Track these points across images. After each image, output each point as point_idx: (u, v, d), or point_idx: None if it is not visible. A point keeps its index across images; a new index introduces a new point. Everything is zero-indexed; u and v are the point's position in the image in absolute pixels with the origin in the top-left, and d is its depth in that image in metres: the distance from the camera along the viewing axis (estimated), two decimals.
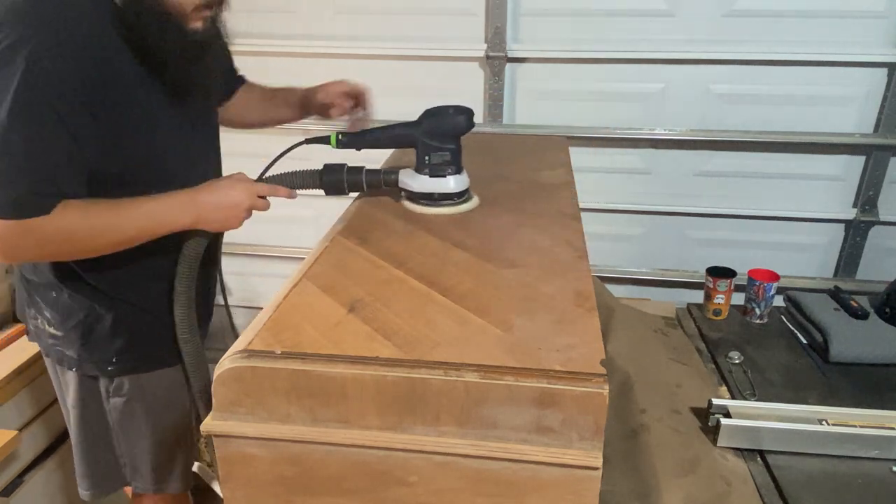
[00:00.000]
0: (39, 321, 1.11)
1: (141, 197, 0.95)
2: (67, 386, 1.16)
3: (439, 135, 1.07)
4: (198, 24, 0.96)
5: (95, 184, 0.94)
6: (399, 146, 1.13)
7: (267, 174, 1.10)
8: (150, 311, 1.11)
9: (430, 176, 1.07)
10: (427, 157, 1.07)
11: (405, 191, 1.10)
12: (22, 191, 0.86)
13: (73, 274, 1.04)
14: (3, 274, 1.61)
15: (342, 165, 1.10)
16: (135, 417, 1.15)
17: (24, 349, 1.54)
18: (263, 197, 1.05)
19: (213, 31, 1.03)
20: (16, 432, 1.38)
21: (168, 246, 1.03)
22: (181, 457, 1.22)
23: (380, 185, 1.11)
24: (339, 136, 1.10)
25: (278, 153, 1.12)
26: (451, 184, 1.08)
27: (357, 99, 1.26)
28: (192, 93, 1.03)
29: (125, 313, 1.09)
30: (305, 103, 1.28)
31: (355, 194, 1.16)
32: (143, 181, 1.00)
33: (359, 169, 1.10)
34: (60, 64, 0.85)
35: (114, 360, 1.10)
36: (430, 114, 1.09)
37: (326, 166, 1.09)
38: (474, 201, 1.12)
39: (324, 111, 1.26)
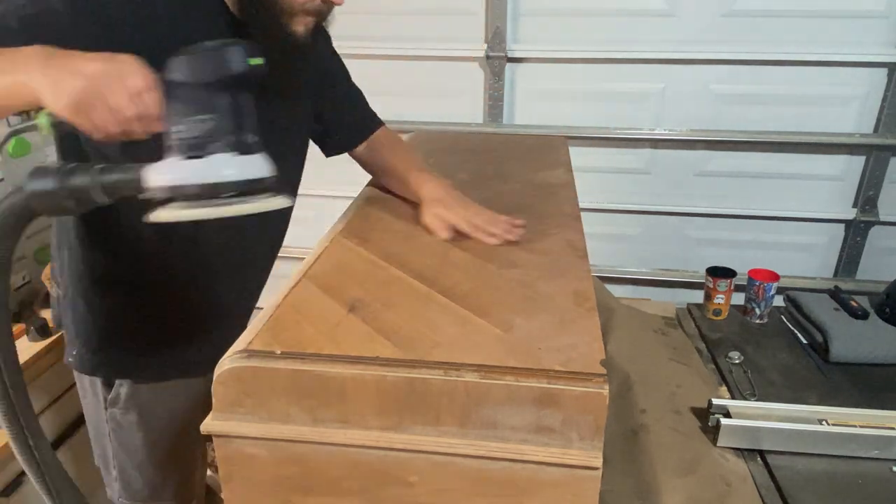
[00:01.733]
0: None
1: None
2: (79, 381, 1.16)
3: (192, 86, 0.65)
4: (299, 28, 0.94)
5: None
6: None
7: None
8: (152, 318, 1.09)
9: (186, 158, 0.65)
10: (177, 129, 0.65)
11: (158, 189, 0.66)
12: None
13: (85, 270, 1.04)
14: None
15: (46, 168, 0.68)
16: (131, 430, 1.13)
17: (23, 349, 1.54)
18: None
19: (309, 42, 0.96)
20: None
21: (185, 254, 1.02)
22: (176, 474, 1.21)
23: (127, 192, 0.68)
24: (52, 118, 0.68)
25: None
26: (224, 168, 0.65)
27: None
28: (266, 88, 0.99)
29: (126, 317, 1.08)
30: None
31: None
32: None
33: (71, 169, 0.68)
34: None
35: (73, 351, 1.09)
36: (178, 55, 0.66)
37: (36, 169, 0.69)
38: (280, 198, 0.71)
39: None
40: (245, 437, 0.69)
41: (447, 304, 0.77)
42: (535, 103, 2.04)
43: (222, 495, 0.73)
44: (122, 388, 1.10)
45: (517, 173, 1.31)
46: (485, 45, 1.97)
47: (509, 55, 1.96)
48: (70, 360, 1.11)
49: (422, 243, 0.95)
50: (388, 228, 1.01)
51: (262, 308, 0.79)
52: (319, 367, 0.66)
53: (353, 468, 0.69)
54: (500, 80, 1.99)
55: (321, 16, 0.98)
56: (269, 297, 0.81)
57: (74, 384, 1.22)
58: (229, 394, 0.68)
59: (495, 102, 2.02)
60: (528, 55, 1.98)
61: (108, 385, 1.11)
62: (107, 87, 0.64)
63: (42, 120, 0.70)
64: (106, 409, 1.12)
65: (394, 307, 0.76)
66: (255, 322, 0.74)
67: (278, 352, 0.67)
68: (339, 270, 0.86)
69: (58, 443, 1.61)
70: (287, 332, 0.71)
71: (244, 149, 0.67)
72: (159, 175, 0.65)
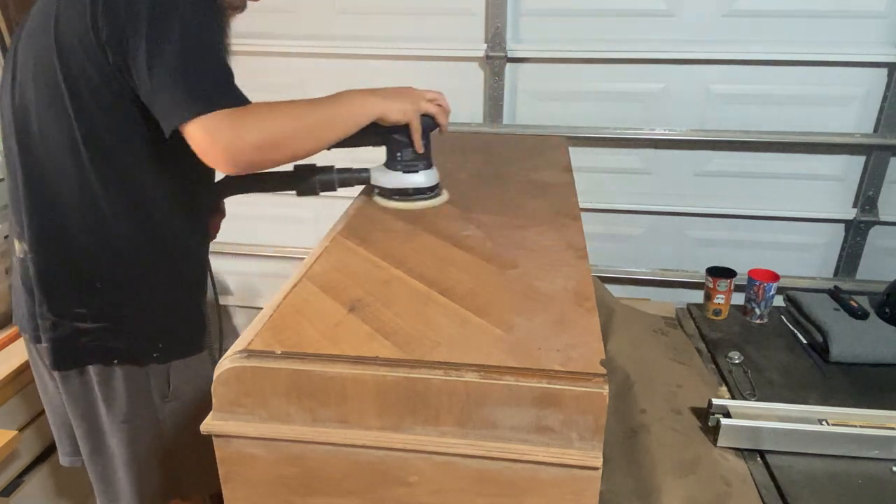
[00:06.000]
0: (65, 322, 1.04)
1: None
2: (113, 399, 1.10)
3: (409, 132, 1.08)
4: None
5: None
6: (371, 144, 1.12)
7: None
8: (185, 294, 1.13)
9: (404, 172, 1.10)
10: (399, 154, 1.09)
11: (378, 188, 1.13)
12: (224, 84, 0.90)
13: (120, 260, 1.04)
14: (3, 274, 1.61)
15: (312, 166, 1.11)
16: (186, 414, 1.13)
17: (23, 350, 1.54)
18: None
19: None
20: (16, 432, 1.38)
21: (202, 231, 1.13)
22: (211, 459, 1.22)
23: (352, 183, 1.14)
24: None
25: None
26: (423, 178, 1.11)
27: None
28: None
29: (165, 297, 1.09)
30: None
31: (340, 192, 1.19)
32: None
33: (329, 168, 1.12)
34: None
35: (160, 345, 1.09)
36: None
37: (297, 167, 1.10)
38: (444, 196, 1.15)
39: None
40: (245, 437, 0.69)
41: (447, 304, 0.77)
42: (535, 103, 2.04)
43: (223, 495, 0.73)
44: (177, 380, 1.11)
45: (517, 173, 1.31)
46: (485, 45, 1.97)
47: (509, 55, 1.96)
48: (155, 355, 1.09)
49: (422, 243, 0.95)
50: (388, 228, 1.01)
51: (262, 308, 0.79)
52: (319, 367, 0.66)
53: (353, 468, 0.69)
54: (500, 80, 1.99)
55: (240, 10, 1.08)
56: (270, 297, 0.81)
57: None
58: (229, 394, 0.68)
59: (495, 102, 2.02)
60: (528, 55, 1.98)
61: (167, 383, 1.11)
62: (409, 99, 1.06)
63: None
64: (163, 406, 1.12)
65: (394, 307, 0.76)
66: (255, 322, 0.74)
67: (278, 352, 0.67)
68: (339, 270, 0.86)
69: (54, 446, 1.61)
70: (287, 332, 0.71)
71: (427, 167, 1.12)
72: (387, 178, 1.11)
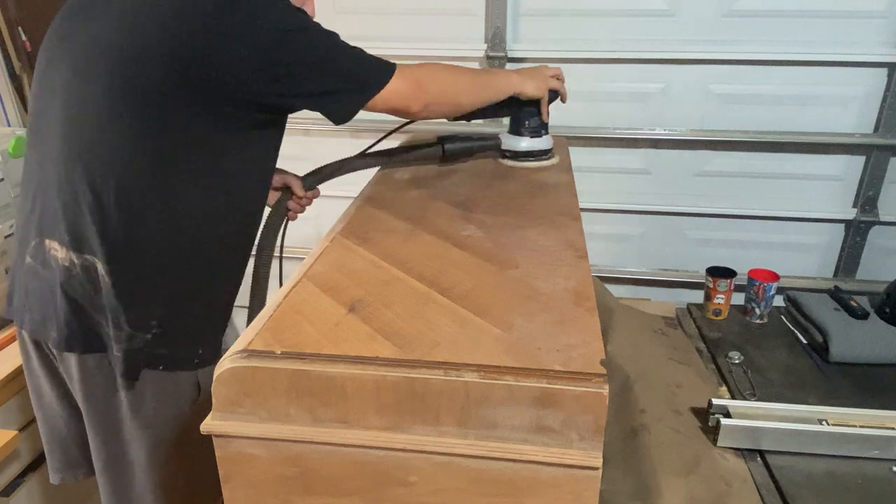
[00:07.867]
0: (119, 329, 1.01)
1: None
2: (140, 404, 1.06)
3: (535, 104, 1.29)
4: None
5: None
6: (502, 115, 1.33)
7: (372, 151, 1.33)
8: (227, 301, 1.16)
9: (531, 137, 1.31)
10: (527, 122, 1.29)
11: (509, 151, 1.32)
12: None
13: (179, 273, 1.03)
14: (3, 274, 1.61)
15: (455, 136, 1.30)
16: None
17: None
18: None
19: None
20: (16, 432, 1.38)
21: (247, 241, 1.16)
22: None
23: (486, 148, 1.34)
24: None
25: (388, 131, 1.35)
26: (546, 142, 1.33)
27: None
28: None
29: (214, 306, 1.12)
30: None
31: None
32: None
33: (467, 136, 1.31)
34: None
35: (200, 350, 1.08)
36: None
37: (442, 138, 1.30)
38: (556, 158, 1.35)
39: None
40: (245, 437, 0.69)
41: (447, 304, 0.77)
42: None
43: (223, 495, 0.73)
44: (205, 384, 1.09)
45: (517, 173, 1.31)
46: (485, 45, 1.97)
47: (509, 55, 1.96)
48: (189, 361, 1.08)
49: (422, 243, 0.95)
50: (388, 228, 1.01)
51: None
52: (319, 367, 0.66)
53: (353, 468, 0.69)
54: None
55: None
56: (270, 296, 0.81)
57: None
58: (229, 394, 0.68)
59: None
60: (528, 55, 1.98)
61: (196, 387, 1.09)
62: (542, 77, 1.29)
63: None
64: (190, 410, 1.09)
65: (394, 307, 0.76)
66: (255, 322, 0.74)
67: (278, 352, 0.67)
68: (339, 270, 0.86)
69: None
70: (287, 332, 0.71)
71: (547, 133, 1.34)
72: (518, 142, 1.31)
